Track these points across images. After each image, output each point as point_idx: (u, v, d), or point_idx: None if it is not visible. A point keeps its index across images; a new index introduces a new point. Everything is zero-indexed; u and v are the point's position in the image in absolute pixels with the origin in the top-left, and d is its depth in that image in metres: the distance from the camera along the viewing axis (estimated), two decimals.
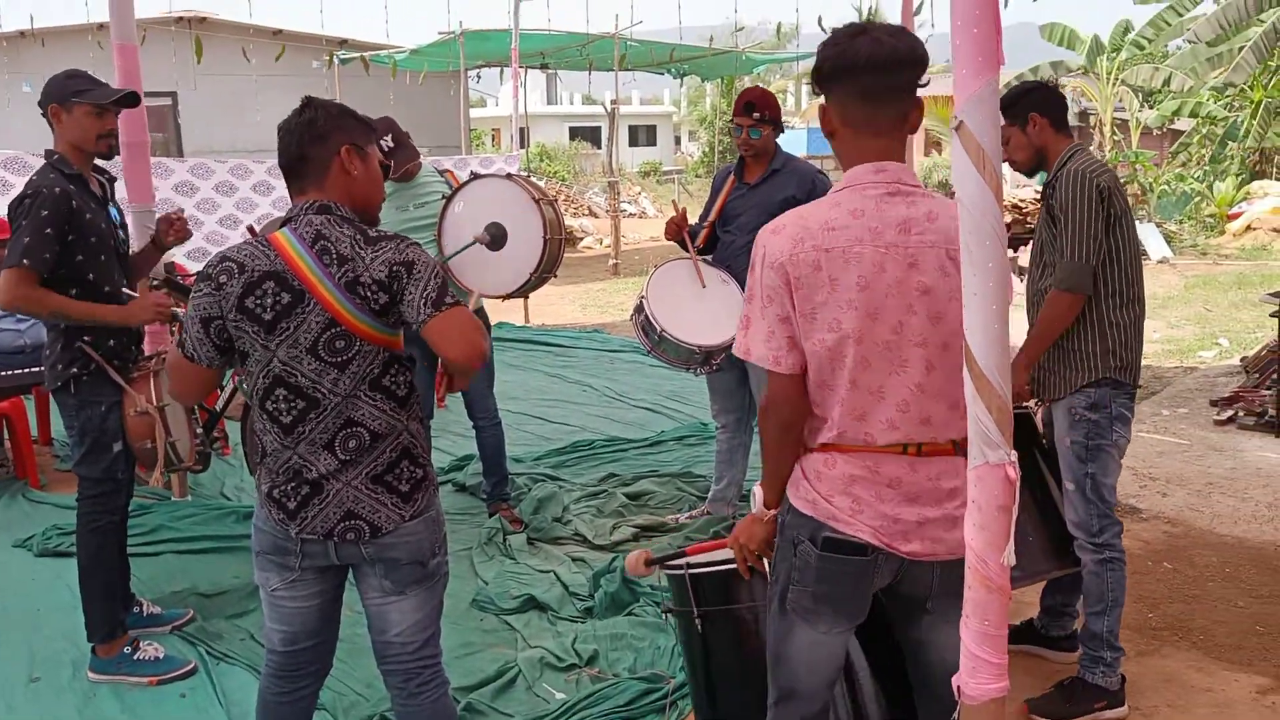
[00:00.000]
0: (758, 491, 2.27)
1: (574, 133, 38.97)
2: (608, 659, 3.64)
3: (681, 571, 2.71)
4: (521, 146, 11.99)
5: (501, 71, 18.03)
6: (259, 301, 2.27)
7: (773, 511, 2.25)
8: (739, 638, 2.69)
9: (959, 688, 1.87)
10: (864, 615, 2.18)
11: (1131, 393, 3.32)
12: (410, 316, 2.29)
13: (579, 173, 31.09)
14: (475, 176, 4.60)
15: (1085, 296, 3.18)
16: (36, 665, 3.69)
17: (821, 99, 2.13)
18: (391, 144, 4.44)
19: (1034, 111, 3.30)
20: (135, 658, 3.56)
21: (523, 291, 4.60)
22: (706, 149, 36.37)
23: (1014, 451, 1.76)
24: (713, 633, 2.69)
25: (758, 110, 4.31)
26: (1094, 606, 3.31)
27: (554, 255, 4.47)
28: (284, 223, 2.35)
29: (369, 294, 2.26)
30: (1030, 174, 3.43)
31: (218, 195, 9.91)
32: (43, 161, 3.44)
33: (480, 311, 4.76)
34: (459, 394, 4.94)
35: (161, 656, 3.60)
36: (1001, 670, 1.84)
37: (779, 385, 2.11)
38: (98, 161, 3.52)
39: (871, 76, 2.01)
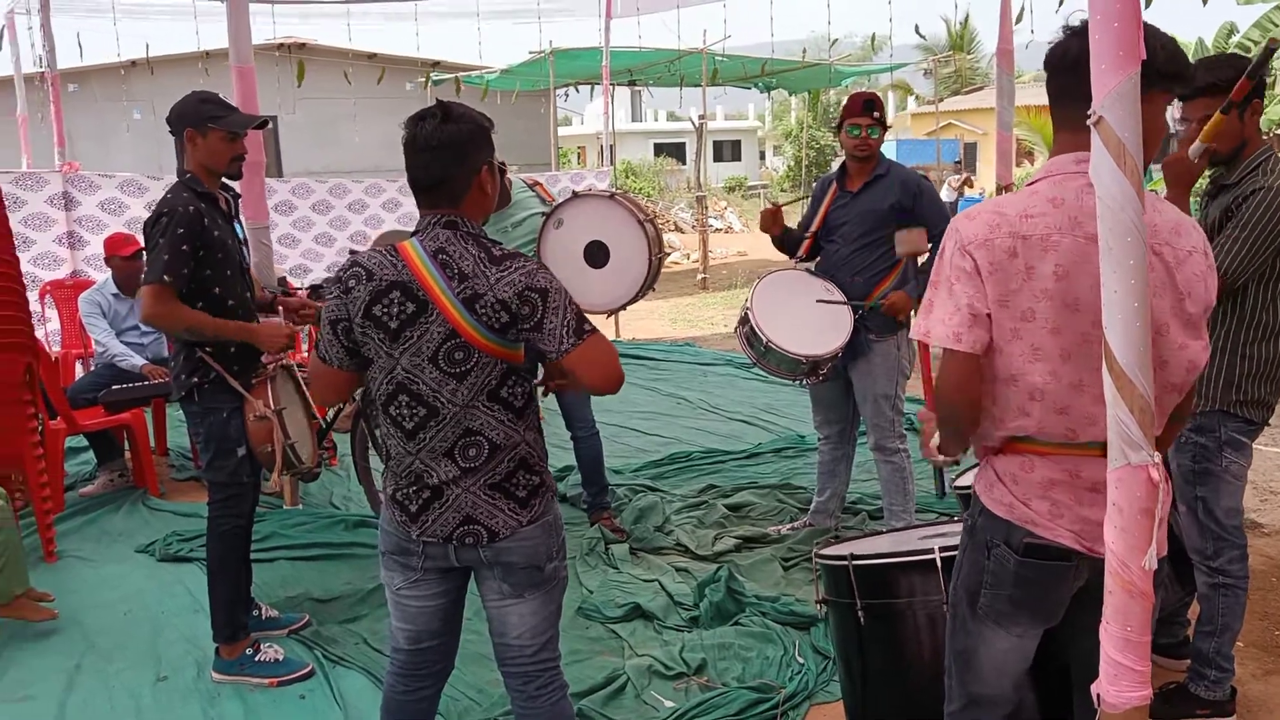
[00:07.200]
0: None
1: (659, 149, 39.14)
2: (716, 668, 3.63)
3: (845, 563, 2.69)
4: (610, 163, 12.10)
5: (592, 89, 18.22)
6: (386, 310, 2.33)
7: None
8: (900, 633, 2.68)
9: (1098, 695, 1.83)
10: (1059, 618, 2.13)
11: (1254, 421, 3.11)
12: (549, 345, 2.30)
13: (664, 189, 31.21)
14: (576, 195, 4.63)
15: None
16: (163, 666, 3.83)
17: None
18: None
19: (1259, 98, 2.94)
20: (257, 659, 3.67)
21: (624, 307, 4.64)
22: (792, 163, 36.20)
23: (1157, 453, 1.73)
24: (874, 627, 2.67)
25: (877, 110, 4.30)
26: (1204, 626, 3.25)
27: (656, 272, 4.51)
28: (413, 233, 2.41)
29: (489, 311, 2.27)
30: (1215, 165, 3.10)
31: (314, 214, 10.22)
32: (158, 183, 3.59)
33: None
34: (555, 407, 5.00)
35: (281, 658, 3.70)
36: (1144, 678, 1.79)
37: (956, 366, 2.03)
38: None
39: (1063, 77, 2.00)
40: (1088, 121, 1.70)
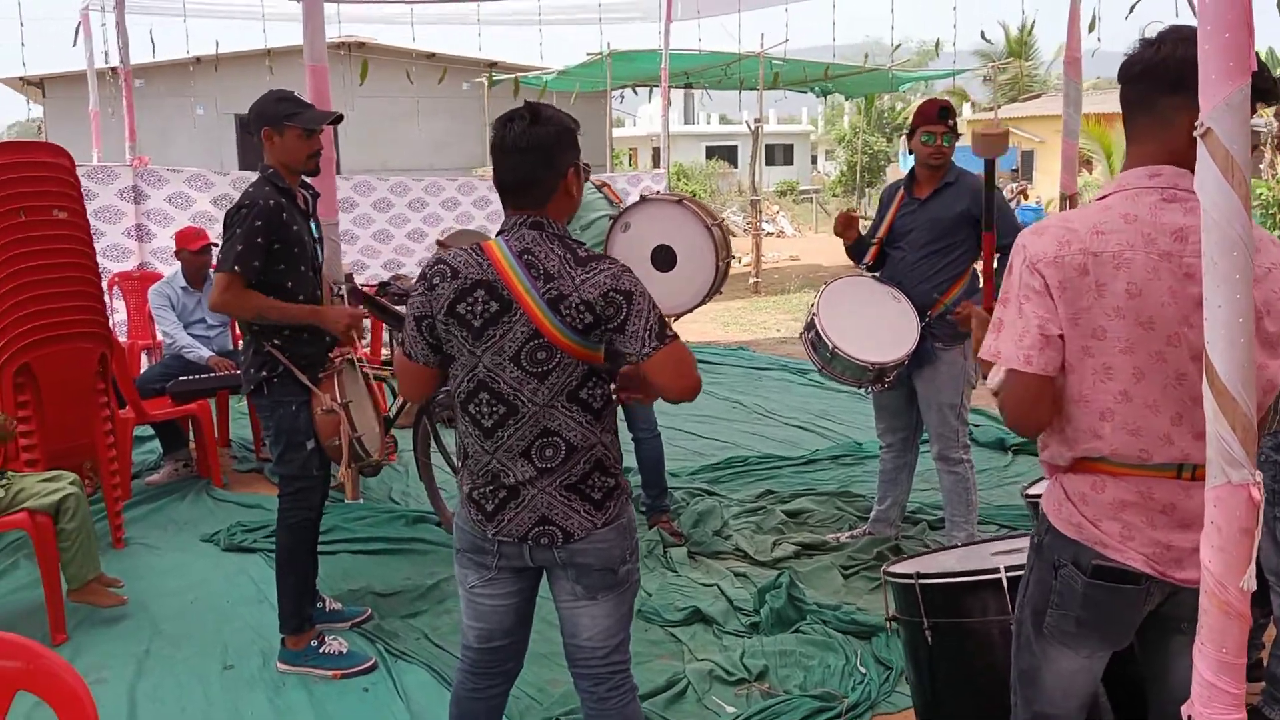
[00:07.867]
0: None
1: (710, 151, 39.11)
2: (777, 675, 3.62)
3: (911, 581, 2.68)
4: (661, 165, 12.10)
5: (651, 92, 18.21)
6: (470, 308, 2.34)
7: None
8: (969, 651, 2.66)
9: (1189, 716, 1.79)
10: (1128, 640, 2.09)
11: None
12: (631, 348, 2.30)
13: (715, 192, 31.17)
14: (644, 199, 4.62)
15: None
16: (229, 654, 3.89)
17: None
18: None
19: None
20: (321, 651, 3.72)
21: (691, 311, 4.64)
22: (845, 168, 35.99)
23: (1258, 472, 1.69)
24: (941, 645, 2.66)
25: (951, 117, 4.26)
26: (1278, 650, 3.16)
27: (723, 277, 4.50)
28: (498, 233, 2.42)
29: (573, 312, 2.28)
30: None
31: (374, 211, 10.35)
32: (225, 178, 3.65)
33: None
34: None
35: (345, 651, 3.75)
36: (1239, 700, 1.75)
37: (1023, 386, 1.99)
38: None
39: (1131, 89, 1.99)
40: (1195, 134, 1.67)
